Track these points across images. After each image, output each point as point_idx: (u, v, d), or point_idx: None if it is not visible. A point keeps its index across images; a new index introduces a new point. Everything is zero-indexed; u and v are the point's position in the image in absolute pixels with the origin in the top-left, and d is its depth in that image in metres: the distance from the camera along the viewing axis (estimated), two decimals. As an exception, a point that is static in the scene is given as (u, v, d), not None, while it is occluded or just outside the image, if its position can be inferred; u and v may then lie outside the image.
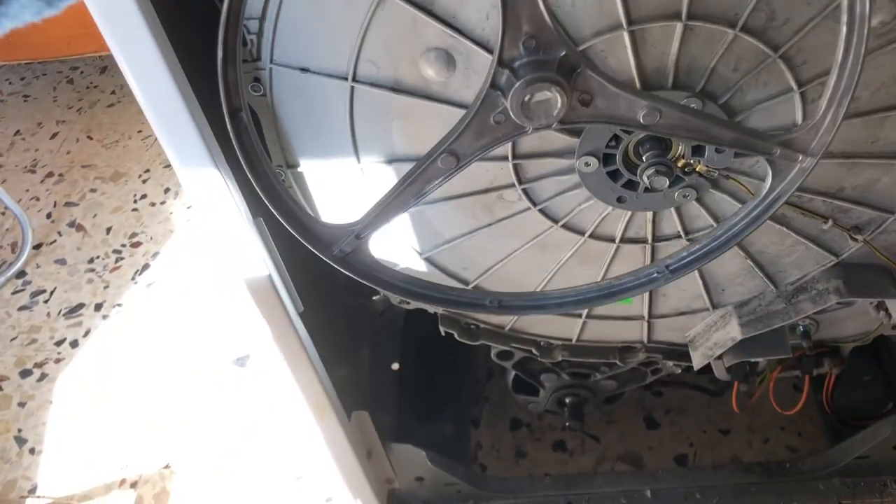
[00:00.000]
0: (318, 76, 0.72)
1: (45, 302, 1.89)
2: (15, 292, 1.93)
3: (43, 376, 1.73)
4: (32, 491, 1.52)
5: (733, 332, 0.92)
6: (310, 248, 0.65)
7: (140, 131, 2.36)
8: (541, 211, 0.81)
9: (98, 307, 1.87)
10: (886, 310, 0.91)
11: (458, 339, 1.00)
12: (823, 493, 1.16)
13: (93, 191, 2.19)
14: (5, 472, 1.55)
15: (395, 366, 1.30)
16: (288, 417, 1.55)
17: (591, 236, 0.84)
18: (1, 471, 1.55)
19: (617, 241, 0.85)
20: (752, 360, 1.01)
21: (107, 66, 2.62)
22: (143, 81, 0.65)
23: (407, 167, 0.78)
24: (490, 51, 0.68)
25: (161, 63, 0.63)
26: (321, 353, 0.95)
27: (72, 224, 2.10)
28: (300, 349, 0.91)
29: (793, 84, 0.69)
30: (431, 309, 0.97)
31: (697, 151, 0.74)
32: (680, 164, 0.74)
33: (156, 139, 2.17)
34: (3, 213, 2.13)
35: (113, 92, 2.53)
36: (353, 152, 0.78)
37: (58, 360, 1.76)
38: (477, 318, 0.99)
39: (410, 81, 0.72)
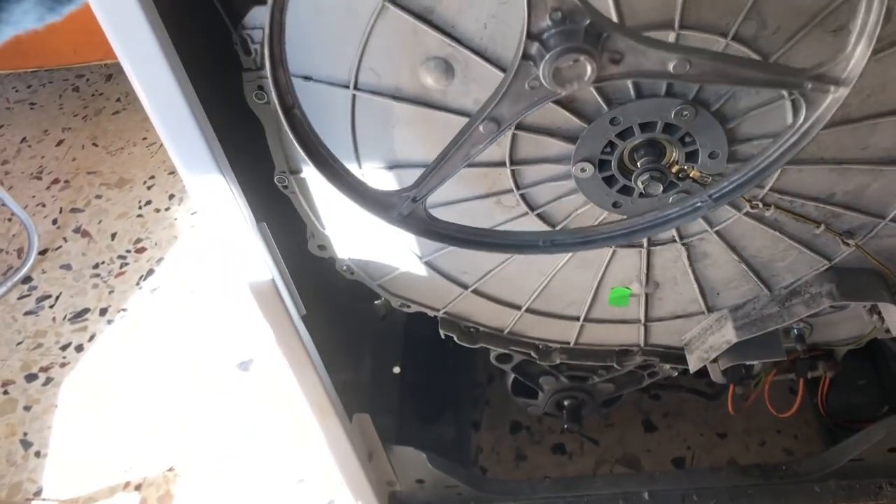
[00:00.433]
0: (321, 84, 0.74)
1: (51, 307, 1.91)
2: (21, 297, 1.95)
3: (48, 380, 1.74)
4: (38, 494, 1.54)
5: (728, 335, 0.94)
6: (373, 214, 0.69)
7: (145, 138, 2.38)
8: (538, 216, 0.83)
9: (103, 312, 1.89)
10: (879, 313, 0.93)
11: (457, 342, 1.02)
12: (819, 495, 1.17)
13: (98, 197, 2.21)
14: (11, 475, 1.56)
15: (396, 369, 1.32)
16: (290, 420, 1.57)
17: (587, 241, 0.85)
18: (6, 474, 1.57)
19: (613, 245, 0.86)
20: (748, 363, 1.03)
21: (112, 73, 2.64)
22: (149, 88, 0.66)
23: (407, 173, 0.80)
24: (488, 60, 0.70)
25: (167, 70, 0.65)
26: (323, 356, 0.97)
27: (77, 230, 2.12)
28: (303, 352, 0.93)
29: (784, 91, 0.71)
30: (431, 312, 0.99)
31: (691, 157, 0.76)
32: (674, 170, 0.76)
33: (160, 146, 2.19)
34: (10, 220, 2.15)
35: (118, 99, 2.56)
36: (355, 158, 0.79)
37: (63, 365, 1.77)
38: (477, 321, 1.01)
39: (410, 89, 0.73)
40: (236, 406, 1.63)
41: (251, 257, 0.82)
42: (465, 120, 0.74)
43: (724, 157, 0.75)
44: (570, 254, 0.88)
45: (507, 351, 1.05)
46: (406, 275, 0.93)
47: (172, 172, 2.22)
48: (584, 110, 0.73)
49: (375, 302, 1.15)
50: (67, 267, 2.02)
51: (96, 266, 2.01)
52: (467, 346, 1.02)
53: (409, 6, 0.68)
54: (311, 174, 0.82)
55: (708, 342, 0.98)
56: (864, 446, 1.13)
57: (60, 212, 2.19)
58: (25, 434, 1.64)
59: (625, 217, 0.75)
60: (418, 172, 0.80)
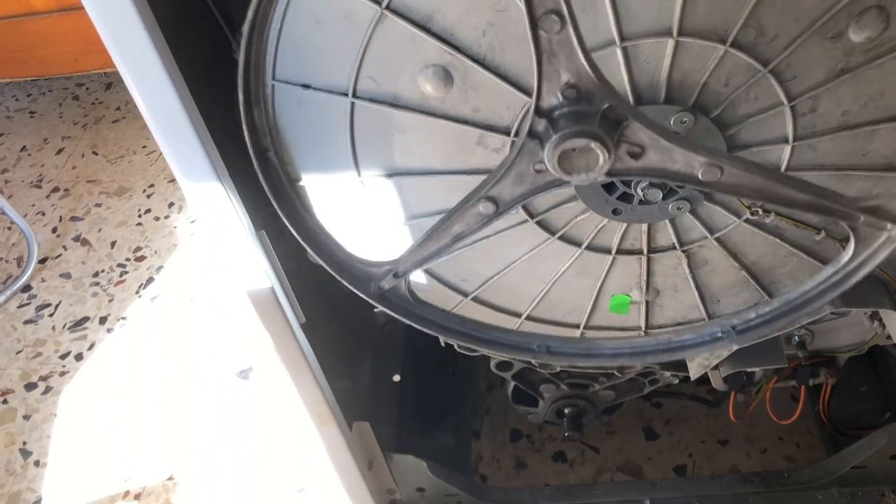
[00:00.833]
0: (320, 92, 0.74)
1: (51, 315, 1.91)
2: (21, 306, 1.94)
3: (48, 389, 1.74)
4: (37, 503, 1.53)
5: (729, 342, 0.93)
6: (346, 284, 0.63)
7: (144, 147, 2.38)
8: (538, 223, 0.83)
9: (103, 320, 1.88)
10: (880, 320, 0.92)
11: (458, 350, 1.01)
12: (822, 502, 1.16)
13: (98, 205, 2.21)
14: (10, 485, 1.56)
15: (396, 377, 1.31)
16: (290, 429, 1.56)
17: (587, 248, 0.85)
18: (6, 483, 1.56)
19: (613, 252, 0.86)
20: (749, 370, 1.03)
21: (112, 82, 2.65)
22: (148, 97, 0.67)
23: (406, 181, 0.80)
24: (487, 67, 0.70)
25: (166, 79, 0.65)
26: (323, 364, 0.97)
27: (77, 238, 2.12)
28: (302, 360, 0.93)
29: (783, 98, 0.71)
30: (431, 320, 0.99)
31: (690, 164, 0.75)
32: (673, 177, 0.76)
33: (160, 154, 2.20)
34: (10, 228, 2.15)
35: (118, 108, 2.56)
36: (354, 166, 0.79)
37: (62, 374, 1.77)
38: (476, 329, 1.01)
39: (409, 97, 0.73)
40: (236, 414, 1.62)
41: (250, 265, 0.82)
42: (464, 128, 0.74)
43: (723, 164, 0.75)
44: (569, 261, 0.87)
45: (507, 358, 1.05)
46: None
47: (172, 181, 2.22)
48: (583, 117, 0.73)
49: (375, 310, 1.15)
50: (67, 275, 2.02)
51: (96, 274, 2.01)
52: (468, 353, 1.02)
53: (408, 14, 0.68)
54: (309, 182, 0.82)
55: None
56: (866, 453, 1.12)
57: (60, 220, 2.19)
58: (25, 443, 1.64)
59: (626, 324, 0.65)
60: (417, 182, 0.80)
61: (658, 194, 0.74)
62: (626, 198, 0.78)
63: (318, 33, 0.70)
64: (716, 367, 0.99)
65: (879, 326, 0.93)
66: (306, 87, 0.74)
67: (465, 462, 1.42)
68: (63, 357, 1.81)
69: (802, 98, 0.71)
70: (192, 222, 2.10)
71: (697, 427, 1.44)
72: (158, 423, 1.64)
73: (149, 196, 2.23)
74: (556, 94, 0.45)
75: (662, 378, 1.10)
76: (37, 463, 1.60)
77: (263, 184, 0.53)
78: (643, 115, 0.46)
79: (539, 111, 0.47)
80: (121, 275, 2.00)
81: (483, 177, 0.79)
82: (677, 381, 1.09)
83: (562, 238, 0.84)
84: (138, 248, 2.06)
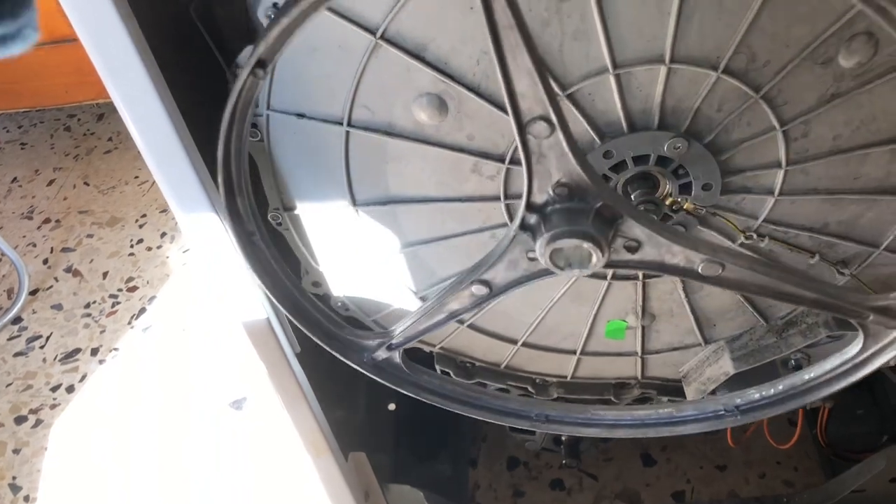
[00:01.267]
0: (314, 122, 0.74)
1: (41, 348, 1.89)
2: (11, 338, 1.93)
3: (38, 422, 1.72)
4: (27, 539, 1.50)
5: (726, 366, 0.93)
6: (341, 357, 0.62)
7: (136, 177, 2.38)
8: (533, 249, 0.83)
9: (94, 352, 1.87)
10: (876, 342, 0.92)
11: (454, 377, 1.01)
12: (822, 527, 1.15)
13: (89, 236, 2.21)
14: (-1, 521, 1.53)
15: (392, 406, 1.30)
16: (285, 460, 1.54)
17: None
18: (-5, 519, 1.54)
19: (609, 277, 0.86)
20: (746, 394, 1.02)
21: (104, 113, 2.65)
22: (142, 127, 0.67)
23: (401, 209, 0.80)
24: (481, 95, 0.70)
25: (160, 107, 0.65)
26: (318, 393, 0.96)
27: (68, 269, 2.11)
28: (297, 390, 0.92)
29: (775, 123, 0.71)
30: (427, 348, 0.98)
31: (685, 189, 0.76)
32: (668, 202, 0.76)
33: (152, 184, 2.20)
34: (0, 260, 2.13)
35: (110, 139, 2.56)
36: (349, 194, 0.79)
37: (53, 406, 1.75)
38: (472, 356, 1.00)
39: (404, 125, 0.74)
40: (230, 446, 1.61)
41: (245, 295, 0.81)
42: (459, 155, 0.75)
43: (717, 189, 0.76)
44: (565, 287, 0.87)
45: (504, 385, 1.04)
46: (401, 311, 0.92)
47: (164, 210, 2.22)
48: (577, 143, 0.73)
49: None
50: (58, 307, 2.00)
51: (87, 306, 1.99)
52: (464, 381, 1.01)
53: (402, 44, 0.68)
54: (304, 211, 0.82)
55: (705, 374, 0.98)
56: (865, 477, 1.12)
57: (51, 251, 2.17)
58: (14, 478, 1.61)
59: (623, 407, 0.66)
60: (412, 210, 0.80)
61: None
62: (621, 223, 0.79)
63: (313, 63, 0.71)
64: (713, 392, 0.98)
65: (875, 349, 0.93)
66: (301, 116, 0.74)
67: (462, 491, 1.40)
68: (54, 389, 1.79)
69: (794, 123, 0.72)
70: (184, 252, 2.10)
71: (695, 453, 1.43)
72: (151, 456, 1.62)
73: (141, 226, 2.22)
74: (548, 191, 0.44)
75: (659, 403, 1.09)
76: (27, 498, 1.57)
77: (251, 267, 0.52)
78: (639, 211, 0.44)
79: (530, 206, 0.45)
80: (113, 306, 1.98)
81: (478, 204, 0.79)
82: (674, 407, 1.09)
83: (557, 264, 0.84)
84: (130, 279, 2.05)
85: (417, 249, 0.84)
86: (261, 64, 0.40)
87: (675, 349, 0.97)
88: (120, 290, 2.03)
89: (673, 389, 1.04)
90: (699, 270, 0.47)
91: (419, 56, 0.68)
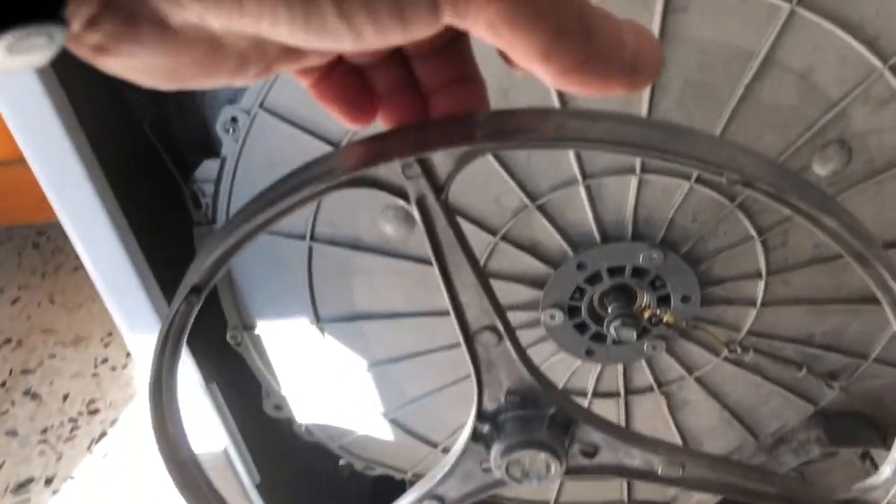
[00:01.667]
0: (276, 237, 0.71)
1: (-8, 477, 1.78)
2: (-40, 468, 1.81)
3: (-17, 561, 1.59)
4: None
5: (717, 488, 0.87)
6: None
7: (104, 294, 2.32)
8: (508, 367, 0.78)
9: (48, 481, 1.75)
10: (872, 459, 0.88)
11: None
12: None
13: (52, 356, 2.12)
14: None
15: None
16: None
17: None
18: None
19: (589, 395, 0.81)
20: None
21: (74, 230, 2.62)
22: (88, 243, 0.63)
23: (369, 325, 0.76)
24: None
25: (109, 228, 0.62)
26: (281, 527, 0.88)
27: (27, 392, 2.01)
28: (258, 524, 0.85)
29: (753, 232, 0.69)
30: (398, 475, 0.92)
31: (663, 302, 0.73)
32: (646, 315, 0.73)
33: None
34: (-45, 383, 2.04)
35: (78, 256, 2.51)
36: (312, 311, 0.75)
37: (0, 542, 1.63)
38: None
39: (370, 239, 0.71)
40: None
41: (201, 421, 0.75)
42: (427, 268, 0.71)
43: (697, 301, 0.73)
44: (543, 406, 0.83)
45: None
46: (369, 436, 0.87)
47: (131, 328, 2.15)
48: (549, 255, 0.70)
49: (340, 464, 1.07)
50: (13, 433, 1.90)
51: (45, 431, 1.89)
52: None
53: (366, 155, 0.66)
54: (265, 330, 0.78)
55: (695, 496, 0.92)
56: None
57: (10, 374, 2.08)
58: None
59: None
60: (379, 326, 0.76)
61: (632, 334, 0.70)
62: (599, 337, 0.75)
63: (273, 177, 0.68)
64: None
65: (871, 466, 0.88)
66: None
67: None
68: (2, 523, 1.67)
69: (773, 232, 0.70)
70: (150, 372, 2.01)
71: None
72: None
73: (107, 345, 2.15)
74: (499, 399, 0.43)
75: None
76: None
77: (181, 493, 0.47)
78: (594, 415, 0.44)
79: (481, 415, 0.43)
80: (71, 430, 1.89)
81: (449, 318, 0.75)
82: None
83: (534, 382, 0.80)
84: (92, 401, 1.96)
85: (386, 368, 0.80)
86: (195, 291, 0.37)
87: (661, 470, 0.92)
88: (80, 413, 1.93)
89: (662, 513, 0.97)
90: (659, 472, 0.46)
91: (384, 168, 0.66)
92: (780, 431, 0.86)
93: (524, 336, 0.76)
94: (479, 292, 0.37)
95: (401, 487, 0.94)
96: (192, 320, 0.39)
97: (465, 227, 0.68)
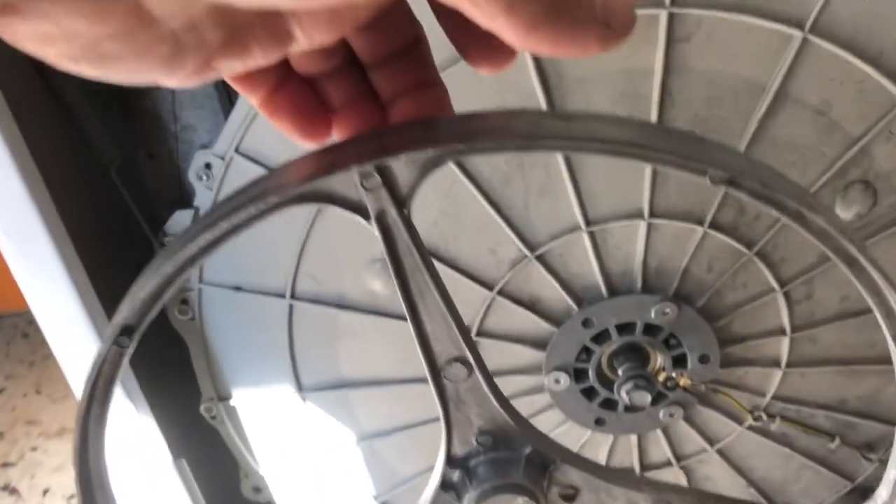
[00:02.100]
0: (253, 294, 0.65)
1: (-39, 581, 1.66)
2: (-72, 570, 1.70)
3: None
4: None
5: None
6: None
7: (93, 383, 2.25)
8: (510, 440, 0.71)
9: (22, 582, 1.64)
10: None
11: None
12: None
13: (34, 449, 2.03)
14: None
15: None
16: None
17: (569, 468, 0.73)
18: None
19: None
20: None
21: (67, 318, 2.56)
22: (48, 309, 0.58)
23: (355, 393, 0.70)
24: (441, 260, 0.62)
25: (70, 289, 0.57)
26: None
27: (6, 488, 1.91)
28: None
29: (774, 284, 0.64)
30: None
31: (679, 362, 0.66)
32: (661, 378, 0.66)
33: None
34: (-69, 479, 1.94)
35: (70, 344, 2.45)
36: (293, 378, 0.69)
37: None
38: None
39: (356, 296, 0.65)
40: None
41: (169, 500, 0.68)
42: (418, 329, 0.65)
43: (716, 361, 0.66)
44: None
45: None
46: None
47: (119, 419, 2.06)
48: (551, 311, 0.64)
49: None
50: (-11, 530, 1.79)
51: (22, 528, 1.78)
52: None
53: (351, 203, 0.61)
54: (241, 400, 0.71)
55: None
56: None
57: (-10, 467, 1.99)
58: None
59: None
60: (367, 394, 0.70)
61: (646, 398, 0.64)
62: (609, 404, 0.68)
63: (250, 228, 0.63)
64: None
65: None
66: (238, 289, 0.66)
67: None
68: None
69: (795, 283, 0.64)
70: (136, 464, 1.92)
71: None
72: None
73: (92, 437, 2.05)
74: (471, 442, 0.39)
75: None
76: None
77: None
78: (573, 453, 0.40)
79: (451, 461, 0.39)
80: (49, 527, 1.78)
81: (443, 386, 0.69)
82: None
83: (539, 457, 0.72)
84: (72, 496, 1.85)
85: (375, 443, 0.73)
86: (126, 331, 0.32)
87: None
88: (60, 509, 1.83)
89: None
90: None
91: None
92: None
93: (526, 404, 0.69)
94: (446, 320, 0.34)
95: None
96: (123, 367, 0.34)
97: (459, 281, 0.63)
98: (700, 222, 0.61)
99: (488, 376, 0.35)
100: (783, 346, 0.67)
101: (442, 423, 0.36)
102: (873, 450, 0.73)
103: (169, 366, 0.68)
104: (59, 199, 0.55)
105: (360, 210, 0.31)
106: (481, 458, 0.39)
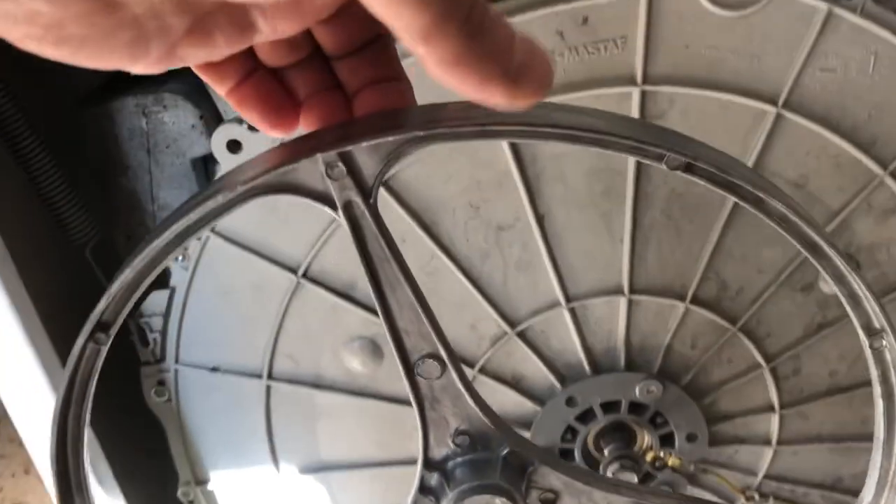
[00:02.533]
0: (230, 375, 0.64)
1: None
2: None
3: None
4: None
5: None
6: None
7: (84, 462, 2.20)
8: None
9: None
10: None
11: None
12: None
13: (20, 532, 1.98)
14: None
15: None
16: None
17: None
18: None
19: None
20: None
21: (60, 394, 2.53)
22: (18, 394, 0.56)
23: (336, 476, 0.68)
24: (420, 337, 0.61)
25: (39, 372, 0.56)
26: None
27: (-13, 575, 1.86)
28: None
29: (760, 360, 0.63)
30: None
31: (666, 441, 0.65)
32: (649, 458, 0.64)
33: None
34: (-87, 564, 1.88)
35: (62, 421, 2.42)
36: (272, 461, 0.67)
37: None
38: None
39: (334, 375, 0.64)
40: None
41: None
42: (400, 408, 0.64)
43: (704, 440, 0.65)
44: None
45: None
46: None
47: (109, 498, 2.01)
48: (534, 390, 0.63)
49: None
50: None
51: None
52: None
53: (328, 283, 0.60)
54: (219, 484, 0.69)
55: None
56: None
57: (-26, 552, 1.93)
58: None
59: None
60: (348, 477, 0.68)
61: (632, 479, 0.62)
62: (595, 486, 0.66)
63: (226, 307, 0.62)
64: None
65: None
66: (215, 370, 0.65)
67: None
68: None
69: (782, 358, 0.63)
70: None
71: None
72: None
73: (80, 518, 2.00)
74: (447, 443, 0.39)
75: None
76: None
77: None
78: (551, 455, 0.41)
79: (429, 464, 0.38)
80: None
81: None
82: None
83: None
84: (58, 581, 1.79)
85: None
86: (103, 327, 0.32)
87: None
88: None
89: None
90: None
91: (347, 295, 0.61)
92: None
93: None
94: (417, 315, 0.34)
95: None
96: (99, 365, 0.33)
97: (439, 358, 0.62)
98: (681, 298, 0.60)
99: (461, 373, 0.35)
100: (773, 423, 0.65)
101: (418, 424, 0.36)
102: (873, 530, 0.70)
103: (144, 450, 0.66)
104: (30, 278, 0.55)
105: (326, 200, 0.31)
106: (459, 459, 0.39)
